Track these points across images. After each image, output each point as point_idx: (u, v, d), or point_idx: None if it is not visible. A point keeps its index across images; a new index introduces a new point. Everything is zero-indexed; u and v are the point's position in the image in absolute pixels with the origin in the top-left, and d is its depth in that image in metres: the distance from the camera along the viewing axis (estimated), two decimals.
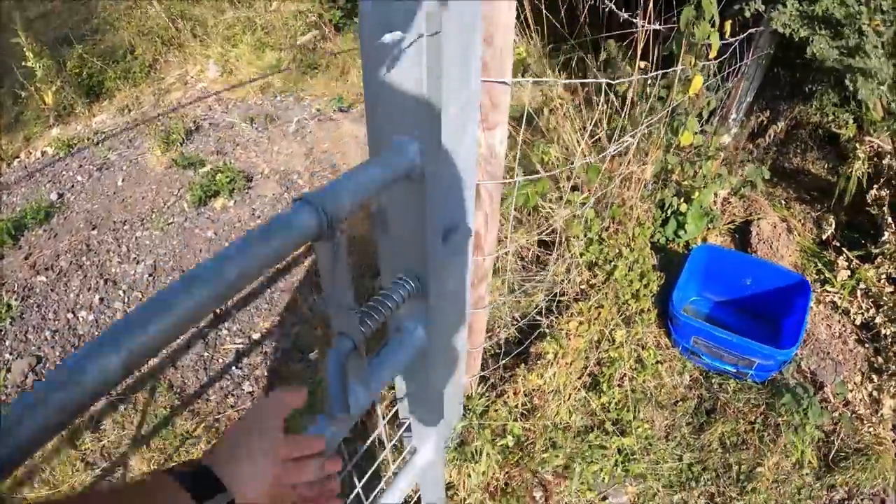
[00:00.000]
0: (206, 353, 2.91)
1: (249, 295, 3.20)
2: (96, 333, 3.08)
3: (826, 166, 4.04)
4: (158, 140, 4.21)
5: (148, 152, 4.28)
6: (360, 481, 1.37)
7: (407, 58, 0.78)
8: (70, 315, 3.18)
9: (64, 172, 4.24)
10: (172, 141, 4.24)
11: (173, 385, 2.77)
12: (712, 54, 2.36)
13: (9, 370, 2.90)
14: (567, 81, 2.19)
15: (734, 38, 3.07)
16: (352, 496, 1.36)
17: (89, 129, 4.69)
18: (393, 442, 1.55)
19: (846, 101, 3.89)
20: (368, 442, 1.43)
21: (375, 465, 1.45)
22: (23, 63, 4.67)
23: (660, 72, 2.13)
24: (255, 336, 3.01)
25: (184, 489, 0.58)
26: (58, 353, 2.99)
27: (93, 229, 3.71)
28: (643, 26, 2.18)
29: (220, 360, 2.89)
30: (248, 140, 4.47)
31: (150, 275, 3.39)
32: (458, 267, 1.17)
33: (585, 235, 2.36)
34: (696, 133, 2.63)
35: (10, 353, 2.99)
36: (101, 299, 3.25)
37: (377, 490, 1.58)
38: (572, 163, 2.12)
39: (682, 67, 2.34)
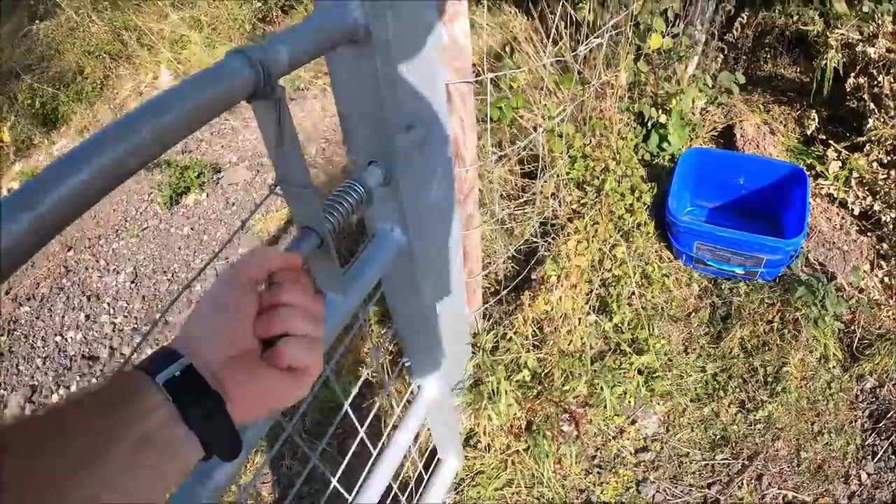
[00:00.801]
0: None
1: None
2: (87, 351, 2.98)
3: (798, 70, 3.98)
4: None
5: None
6: (362, 426, 1.28)
7: None
8: (58, 338, 3.07)
9: None
10: None
11: None
12: None
13: (5, 406, 2.80)
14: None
15: None
16: (356, 441, 1.27)
17: (51, 157, 4.57)
18: (392, 379, 1.46)
19: (808, 1, 3.83)
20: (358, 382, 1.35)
21: (377, 406, 1.35)
22: None
23: None
24: None
25: (141, 372, 0.49)
26: (51, 379, 2.89)
27: (68, 251, 3.62)
28: None
29: None
30: (211, 134, 4.37)
31: (132, 282, 3.29)
32: (428, 162, 1.08)
33: (568, 152, 2.27)
34: (664, 35, 2.54)
35: (4, 389, 2.89)
36: (87, 316, 3.15)
37: (384, 435, 1.49)
38: (543, 78, 2.03)
39: None
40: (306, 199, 0.70)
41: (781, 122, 3.54)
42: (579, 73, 2.27)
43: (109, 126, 0.47)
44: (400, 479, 1.84)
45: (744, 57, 3.97)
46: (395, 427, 1.51)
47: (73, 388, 2.82)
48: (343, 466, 1.26)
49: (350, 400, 1.22)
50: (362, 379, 1.33)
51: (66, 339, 3.06)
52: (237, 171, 3.91)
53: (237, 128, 4.34)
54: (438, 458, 2.06)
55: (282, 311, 0.58)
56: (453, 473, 2.07)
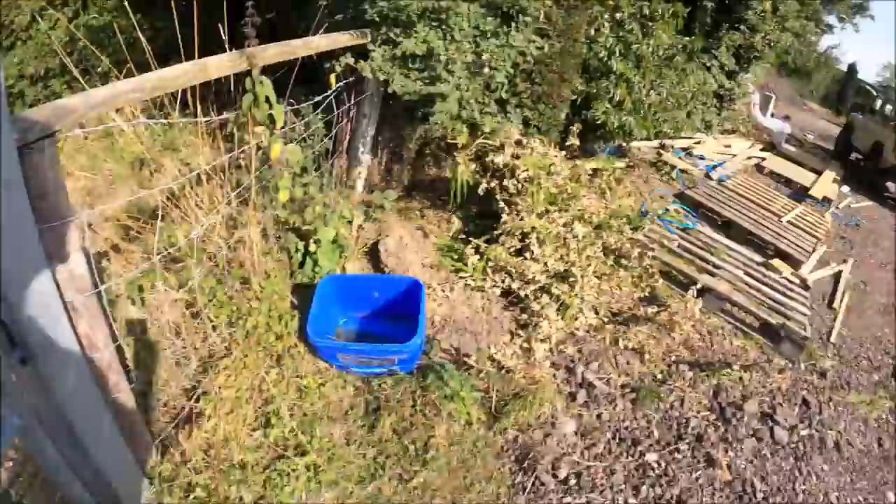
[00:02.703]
0: None
1: None
2: None
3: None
4: None
5: None
6: None
7: None
8: None
9: None
10: None
11: None
12: (278, 125, 2.78)
13: None
14: None
15: (334, 90, 3.58)
16: None
17: None
18: None
19: (459, 116, 4.60)
20: None
21: None
22: None
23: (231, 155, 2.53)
24: None
25: None
26: None
27: None
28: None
29: None
30: None
31: None
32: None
33: (210, 302, 2.69)
34: (297, 187, 3.08)
35: None
36: None
37: None
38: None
39: (257, 142, 2.77)
40: None
41: (435, 223, 4.25)
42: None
43: None
44: None
45: (408, 167, 4.67)
46: None
47: None
48: None
49: None
50: None
51: None
52: None
53: None
54: None
55: None
56: None
